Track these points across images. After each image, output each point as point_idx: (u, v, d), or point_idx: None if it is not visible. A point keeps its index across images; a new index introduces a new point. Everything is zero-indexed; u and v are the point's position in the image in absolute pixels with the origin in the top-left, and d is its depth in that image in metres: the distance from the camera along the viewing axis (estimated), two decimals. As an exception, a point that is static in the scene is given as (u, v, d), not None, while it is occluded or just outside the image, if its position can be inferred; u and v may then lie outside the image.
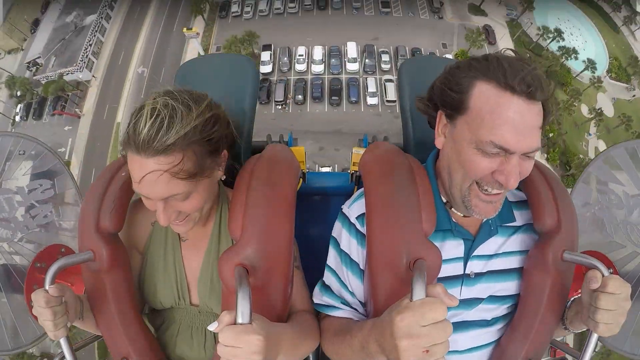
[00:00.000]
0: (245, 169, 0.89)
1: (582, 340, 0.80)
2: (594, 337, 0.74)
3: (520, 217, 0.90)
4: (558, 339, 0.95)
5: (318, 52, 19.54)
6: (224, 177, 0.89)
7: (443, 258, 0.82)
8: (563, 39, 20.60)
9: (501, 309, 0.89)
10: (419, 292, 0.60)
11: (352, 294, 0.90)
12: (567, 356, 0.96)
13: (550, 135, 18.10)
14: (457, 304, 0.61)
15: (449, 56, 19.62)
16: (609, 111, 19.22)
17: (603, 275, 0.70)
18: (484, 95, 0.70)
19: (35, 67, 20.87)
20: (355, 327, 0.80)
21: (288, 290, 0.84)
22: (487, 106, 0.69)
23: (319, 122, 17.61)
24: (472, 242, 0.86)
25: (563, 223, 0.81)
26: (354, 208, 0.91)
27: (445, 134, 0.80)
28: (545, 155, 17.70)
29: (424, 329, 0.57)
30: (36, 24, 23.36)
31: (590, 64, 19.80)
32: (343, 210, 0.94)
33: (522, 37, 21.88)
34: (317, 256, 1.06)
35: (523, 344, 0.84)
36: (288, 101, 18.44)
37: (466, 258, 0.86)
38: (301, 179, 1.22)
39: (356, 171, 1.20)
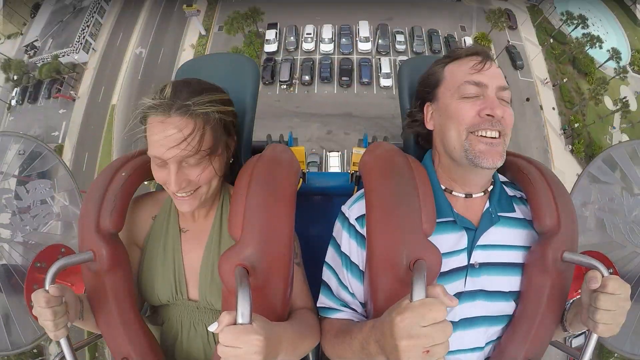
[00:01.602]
0: (245, 169, 0.89)
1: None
2: (594, 337, 0.74)
3: (519, 211, 0.91)
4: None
5: (327, 31, 18.25)
6: (231, 159, 0.95)
7: (447, 251, 0.83)
8: (587, 26, 19.41)
9: (505, 306, 0.88)
10: (419, 292, 0.60)
11: (352, 295, 0.90)
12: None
13: (577, 125, 17.41)
14: (457, 304, 0.61)
15: (468, 39, 18.66)
16: (632, 105, 18.45)
17: (603, 276, 0.70)
18: (453, 65, 0.89)
19: (32, 50, 20.31)
20: (355, 328, 0.80)
21: (288, 291, 0.84)
22: (458, 68, 0.87)
23: (327, 105, 16.37)
24: (474, 232, 0.86)
25: (563, 223, 0.81)
26: (353, 209, 0.92)
27: (432, 118, 0.92)
28: (570, 147, 17.08)
29: (424, 330, 0.57)
30: (36, 7, 22.82)
31: (615, 54, 18.75)
32: (343, 211, 0.94)
33: (544, 24, 21.05)
34: (317, 256, 1.06)
35: (523, 344, 0.84)
36: (294, 81, 17.25)
37: (470, 248, 0.86)
38: (301, 179, 1.22)
39: (356, 171, 1.20)
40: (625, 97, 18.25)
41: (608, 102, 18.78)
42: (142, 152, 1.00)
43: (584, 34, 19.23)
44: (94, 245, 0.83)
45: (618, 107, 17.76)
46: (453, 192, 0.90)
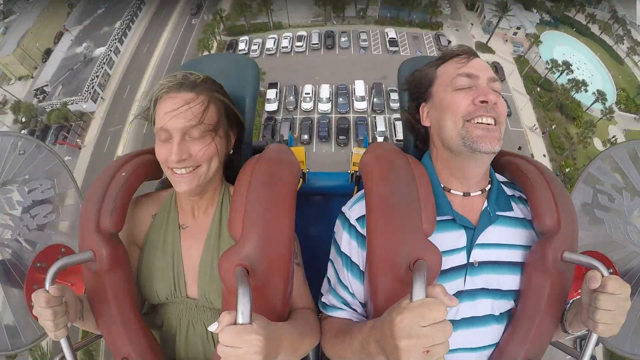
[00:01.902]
0: (245, 169, 0.89)
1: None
2: (594, 337, 0.74)
3: (518, 210, 0.92)
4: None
5: (325, 91, 19.44)
6: (231, 151, 0.98)
7: (446, 249, 0.83)
8: (572, 72, 21.02)
9: (505, 305, 0.89)
10: (418, 292, 0.60)
11: (352, 295, 0.90)
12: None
13: (567, 170, 18.11)
14: (457, 304, 0.61)
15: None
16: None
17: (603, 276, 0.70)
18: (444, 66, 0.93)
19: (42, 95, 21.52)
20: (355, 328, 0.80)
21: (288, 291, 0.84)
22: (450, 66, 0.91)
23: (325, 163, 17.21)
24: (473, 231, 0.86)
25: (563, 223, 0.82)
26: (354, 210, 0.92)
27: (428, 116, 0.94)
28: (563, 190, 18.11)
29: (424, 330, 0.58)
30: (48, 53, 24.48)
31: (601, 96, 20.02)
32: (343, 211, 0.94)
33: (530, 73, 22.12)
34: (317, 256, 1.06)
35: (523, 344, 0.84)
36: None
37: (469, 247, 0.86)
38: (301, 179, 1.22)
39: (356, 171, 1.20)
40: (614, 136, 19.08)
41: (598, 143, 19.46)
42: (142, 152, 1.00)
43: (569, 80, 20.81)
44: (94, 245, 0.83)
45: (607, 148, 18.33)
46: (451, 191, 0.90)
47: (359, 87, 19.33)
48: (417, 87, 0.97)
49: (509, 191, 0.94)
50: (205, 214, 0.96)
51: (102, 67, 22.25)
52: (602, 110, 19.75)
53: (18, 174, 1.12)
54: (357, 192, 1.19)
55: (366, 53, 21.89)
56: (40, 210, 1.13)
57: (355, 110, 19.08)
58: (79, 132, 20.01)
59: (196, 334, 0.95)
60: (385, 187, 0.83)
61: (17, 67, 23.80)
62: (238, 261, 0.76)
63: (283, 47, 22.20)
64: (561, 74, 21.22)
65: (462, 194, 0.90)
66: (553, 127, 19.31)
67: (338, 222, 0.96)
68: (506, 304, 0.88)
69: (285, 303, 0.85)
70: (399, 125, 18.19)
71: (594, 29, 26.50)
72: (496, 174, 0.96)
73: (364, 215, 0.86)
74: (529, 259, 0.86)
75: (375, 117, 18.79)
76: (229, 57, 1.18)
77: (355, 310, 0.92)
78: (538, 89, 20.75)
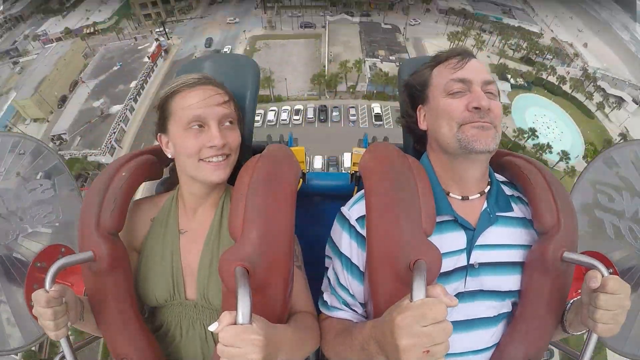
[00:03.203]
0: (245, 169, 0.89)
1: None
2: (594, 337, 0.74)
3: (518, 210, 0.92)
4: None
5: (318, 162, 22.01)
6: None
7: (446, 251, 0.83)
8: (537, 137, 24.14)
9: (505, 306, 0.88)
10: (419, 292, 0.60)
11: (352, 296, 0.90)
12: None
13: None
14: (457, 304, 0.61)
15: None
16: None
17: (603, 276, 0.70)
18: (439, 68, 0.92)
19: (59, 141, 24.26)
20: (356, 329, 0.80)
21: (288, 291, 0.84)
22: (444, 69, 0.90)
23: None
24: (473, 233, 0.86)
25: (562, 223, 0.82)
26: (354, 210, 0.92)
27: (425, 119, 0.94)
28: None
29: (425, 329, 0.58)
30: (63, 100, 27.18)
31: (564, 156, 23.14)
32: (343, 212, 0.94)
33: (502, 139, 24.22)
34: (317, 256, 1.06)
35: (523, 344, 0.84)
36: None
37: (469, 248, 0.86)
38: (301, 179, 1.22)
39: (356, 171, 1.20)
40: None
41: None
42: (142, 153, 1.00)
43: (534, 145, 23.82)
44: (94, 245, 0.83)
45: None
46: (450, 194, 0.90)
47: (347, 159, 21.72)
48: (413, 89, 0.96)
49: (508, 191, 0.94)
50: (207, 215, 0.96)
51: (118, 125, 24.75)
52: (564, 169, 22.54)
53: (18, 174, 1.12)
54: (357, 192, 1.19)
55: (354, 126, 24.82)
56: (40, 210, 1.12)
57: None
58: (96, 181, 22.85)
59: (195, 335, 0.95)
60: (385, 187, 0.83)
61: (34, 110, 26.10)
62: (238, 261, 0.75)
63: (282, 120, 25.23)
64: (527, 139, 24.04)
65: (460, 197, 0.89)
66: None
67: (336, 223, 0.96)
68: (506, 305, 0.88)
69: (285, 304, 0.85)
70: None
71: (567, 87, 29.53)
72: (496, 174, 0.96)
73: (364, 215, 0.86)
74: (529, 259, 0.86)
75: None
76: (230, 57, 1.18)
77: (356, 311, 0.91)
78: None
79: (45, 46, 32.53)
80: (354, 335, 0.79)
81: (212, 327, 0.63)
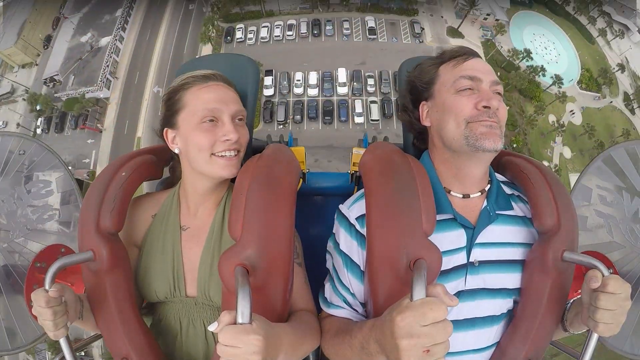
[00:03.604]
0: (245, 169, 0.89)
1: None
2: (594, 337, 0.74)
3: (518, 209, 0.92)
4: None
5: (313, 77, 22.45)
6: None
7: (446, 249, 0.83)
8: (531, 59, 22.81)
9: (506, 304, 0.88)
10: (419, 292, 0.60)
11: (352, 295, 0.90)
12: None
13: (514, 145, 20.03)
14: (457, 303, 0.61)
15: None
16: (577, 119, 21.50)
17: (603, 275, 0.70)
18: (446, 66, 0.92)
19: (52, 83, 22.91)
20: (355, 328, 0.80)
21: (288, 291, 0.84)
22: (453, 66, 0.90)
23: (314, 138, 20.46)
24: (472, 230, 0.87)
25: (563, 223, 0.82)
26: (354, 209, 0.92)
27: (429, 115, 0.94)
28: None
29: (425, 329, 0.57)
30: (48, 40, 25.61)
31: (557, 80, 22.21)
32: (342, 211, 0.94)
33: (496, 56, 23.75)
34: (317, 256, 1.06)
35: (523, 344, 0.84)
36: (288, 121, 21.56)
37: (469, 246, 0.86)
38: (301, 179, 1.22)
39: (356, 171, 1.20)
40: (562, 122, 21.30)
41: (553, 119, 21.59)
42: (141, 152, 1.00)
43: (528, 66, 22.64)
44: (94, 245, 0.83)
45: (555, 127, 20.81)
46: (451, 192, 0.90)
47: (341, 74, 22.40)
48: (417, 85, 0.96)
49: (508, 190, 0.94)
50: (209, 213, 0.97)
51: (110, 57, 23.23)
52: (555, 94, 21.82)
53: (18, 174, 1.12)
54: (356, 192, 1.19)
55: (348, 40, 23.98)
56: (40, 210, 1.12)
57: (338, 94, 22.20)
58: (97, 117, 21.57)
59: (195, 333, 0.95)
60: (385, 187, 0.83)
61: (20, 57, 24.85)
62: (238, 261, 0.75)
63: (276, 36, 24.28)
64: (521, 60, 22.83)
65: (461, 195, 0.90)
66: (508, 108, 22.50)
67: (336, 222, 0.96)
68: (507, 304, 0.88)
69: (285, 303, 0.85)
70: (373, 107, 21.20)
71: (570, 9, 27.46)
72: (496, 173, 0.96)
73: (364, 214, 0.86)
74: (529, 258, 0.86)
75: (354, 100, 21.91)
76: (230, 57, 1.18)
77: (356, 311, 0.91)
78: (498, 73, 22.67)
79: None
80: (353, 334, 0.79)
81: (212, 327, 0.63)
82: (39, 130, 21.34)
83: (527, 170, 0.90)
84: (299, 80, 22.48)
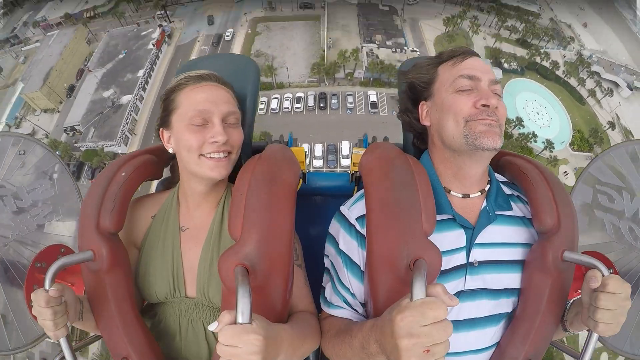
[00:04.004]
0: (245, 169, 0.89)
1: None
2: (594, 336, 0.74)
3: (517, 209, 0.92)
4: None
5: (318, 149, 24.07)
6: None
7: (446, 249, 0.83)
8: (523, 126, 25.19)
9: (506, 304, 0.88)
10: (419, 291, 0.60)
11: (352, 295, 0.90)
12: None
13: None
14: (457, 303, 0.61)
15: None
16: (570, 180, 22.46)
17: (603, 275, 0.70)
18: (444, 66, 0.92)
19: (72, 132, 25.39)
20: (355, 328, 0.80)
21: (288, 291, 0.84)
22: (451, 66, 0.90)
23: None
24: (472, 231, 0.87)
25: (563, 223, 0.82)
26: (354, 209, 0.91)
27: (428, 114, 0.94)
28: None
29: (425, 329, 0.57)
30: (71, 89, 27.93)
31: (549, 144, 24.46)
32: (342, 211, 0.94)
33: None
34: (317, 256, 1.06)
35: (523, 344, 0.84)
36: None
37: (468, 247, 0.86)
38: (301, 179, 1.22)
39: (356, 171, 1.20)
40: (565, 172, 22.81)
41: None
42: (142, 152, 1.00)
43: (520, 134, 24.86)
44: (94, 245, 0.83)
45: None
46: (451, 192, 0.90)
47: (345, 147, 24.14)
48: (416, 85, 0.96)
49: (508, 191, 0.94)
50: (208, 213, 0.96)
51: (130, 115, 25.71)
52: (547, 157, 24.06)
53: (18, 174, 1.12)
54: (356, 192, 1.19)
55: (352, 113, 26.29)
56: (40, 210, 1.12)
57: (342, 165, 23.95)
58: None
59: (195, 333, 0.94)
60: (385, 187, 0.83)
61: (43, 101, 26.94)
62: (238, 261, 0.75)
63: (285, 108, 26.62)
64: (513, 128, 25.04)
65: (461, 195, 0.90)
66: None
67: (335, 222, 0.96)
68: (507, 304, 0.88)
69: (285, 303, 0.85)
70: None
71: (560, 72, 29.66)
72: (496, 174, 0.96)
73: (364, 214, 0.86)
74: (529, 258, 0.86)
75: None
76: (230, 57, 1.18)
77: (356, 311, 0.91)
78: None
79: (48, 34, 32.60)
80: (353, 334, 0.79)
81: (212, 327, 0.63)
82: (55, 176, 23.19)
83: (526, 170, 0.90)
84: (305, 152, 23.26)
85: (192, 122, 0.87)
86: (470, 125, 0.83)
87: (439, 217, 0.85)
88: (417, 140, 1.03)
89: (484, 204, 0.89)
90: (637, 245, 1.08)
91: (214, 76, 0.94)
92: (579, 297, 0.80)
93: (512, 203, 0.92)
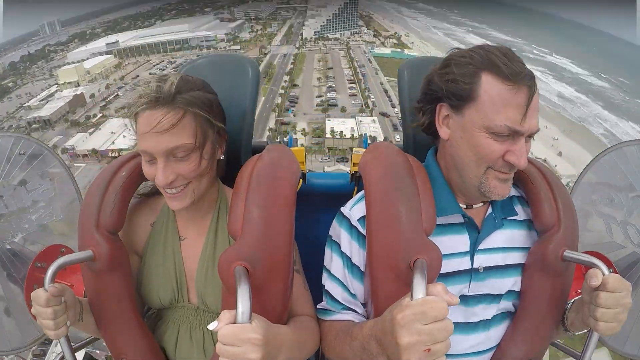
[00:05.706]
0: (245, 169, 0.88)
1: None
2: (595, 336, 0.74)
3: (522, 212, 0.91)
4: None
5: None
6: (222, 157, 0.92)
7: (450, 252, 0.82)
8: None
9: (508, 306, 0.88)
10: (419, 291, 0.60)
11: (353, 295, 0.90)
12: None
13: None
14: (457, 302, 0.60)
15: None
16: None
17: (603, 274, 0.70)
18: (492, 84, 0.74)
19: None
20: (356, 328, 0.80)
21: (288, 291, 0.84)
22: (498, 96, 0.73)
23: None
24: (477, 236, 0.86)
25: (563, 222, 0.82)
26: (355, 210, 0.91)
27: (448, 125, 0.82)
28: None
29: (425, 328, 0.57)
30: None
31: None
32: (343, 212, 0.94)
33: None
34: (317, 256, 1.06)
35: (524, 345, 0.84)
36: None
37: (472, 252, 0.85)
38: (301, 179, 1.22)
39: (356, 171, 1.20)
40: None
41: None
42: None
43: None
44: (94, 244, 0.83)
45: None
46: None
47: None
48: (447, 88, 0.79)
49: (511, 191, 0.93)
50: (204, 221, 0.96)
51: None
52: None
53: (18, 174, 1.12)
54: (357, 192, 1.19)
55: None
56: (40, 210, 1.12)
57: None
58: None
59: (195, 338, 0.94)
60: (385, 187, 0.83)
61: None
62: (237, 260, 0.75)
63: None
64: None
65: (465, 206, 0.88)
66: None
67: (336, 223, 0.95)
68: (509, 306, 0.88)
69: (285, 303, 0.84)
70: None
71: None
72: None
73: (365, 215, 0.86)
74: (529, 258, 0.86)
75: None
76: (229, 58, 1.18)
77: (356, 311, 0.91)
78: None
79: (74, 164, 35.31)
80: (354, 335, 0.78)
81: (212, 326, 0.63)
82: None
83: (527, 170, 0.90)
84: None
85: (144, 158, 0.83)
86: (489, 174, 0.78)
87: (446, 220, 0.84)
88: (426, 130, 0.90)
89: (489, 210, 0.88)
90: (637, 245, 1.08)
91: (157, 98, 0.78)
92: (579, 297, 0.80)
93: (515, 206, 0.90)
